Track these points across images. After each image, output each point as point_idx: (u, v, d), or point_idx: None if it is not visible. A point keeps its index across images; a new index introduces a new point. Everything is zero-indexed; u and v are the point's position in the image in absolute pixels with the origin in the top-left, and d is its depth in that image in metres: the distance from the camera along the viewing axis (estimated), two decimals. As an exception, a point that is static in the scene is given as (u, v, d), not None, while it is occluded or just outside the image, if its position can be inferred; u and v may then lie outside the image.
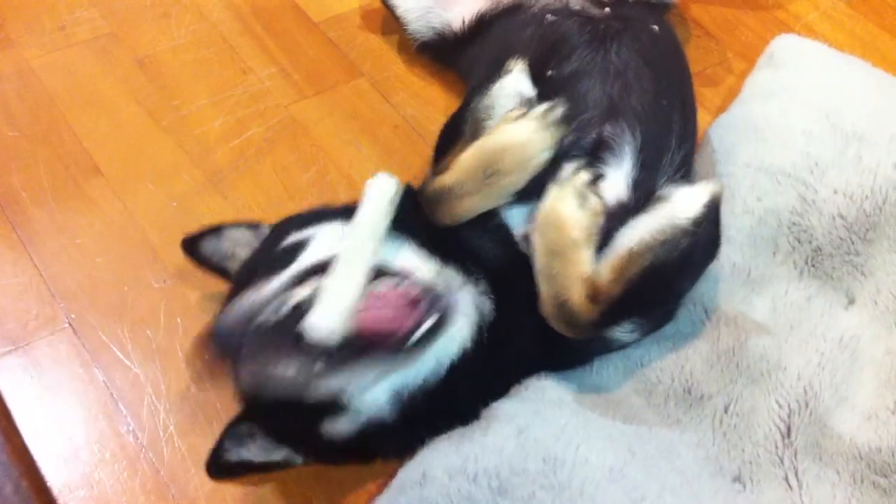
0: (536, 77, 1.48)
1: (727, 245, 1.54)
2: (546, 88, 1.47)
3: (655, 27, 1.66)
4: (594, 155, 1.42)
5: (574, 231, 1.28)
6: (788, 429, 1.38)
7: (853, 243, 1.56)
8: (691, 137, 1.59)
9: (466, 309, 1.33)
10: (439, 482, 1.23)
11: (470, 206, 1.37)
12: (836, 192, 1.59)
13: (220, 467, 1.35)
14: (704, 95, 1.87)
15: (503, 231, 1.39)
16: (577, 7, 1.68)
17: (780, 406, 1.40)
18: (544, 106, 1.35)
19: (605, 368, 1.43)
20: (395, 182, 1.35)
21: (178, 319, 1.54)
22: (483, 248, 1.38)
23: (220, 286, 1.54)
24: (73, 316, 1.54)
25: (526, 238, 1.36)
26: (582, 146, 1.43)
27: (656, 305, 1.42)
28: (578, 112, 1.44)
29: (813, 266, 1.55)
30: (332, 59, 1.95)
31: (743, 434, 1.38)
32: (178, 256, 1.58)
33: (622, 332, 1.41)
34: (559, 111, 1.35)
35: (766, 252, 1.56)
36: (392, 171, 1.70)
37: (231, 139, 1.80)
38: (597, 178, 1.35)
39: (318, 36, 1.99)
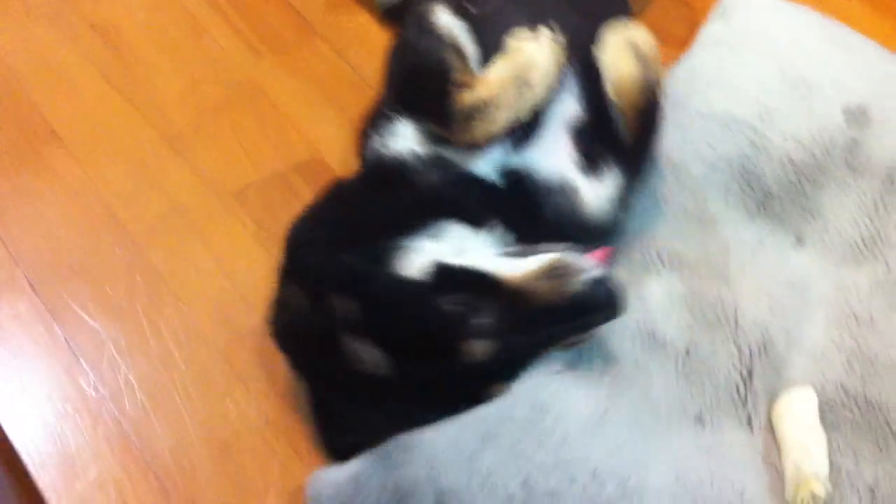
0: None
1: (680, 191, 1.58)
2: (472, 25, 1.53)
3: None
4: None
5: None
6: (750, 372, 1.41)
7: (802, 186, 1.59)
8: None
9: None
10: (430, 428, 1.25)
11: (503, 120, 1.41)
12: (785, 137, 1.62)
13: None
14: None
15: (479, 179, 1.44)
16: None
17: (739, 351, 1.43)
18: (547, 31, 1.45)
19: None
20: None
21: (138, 277, 1.55)
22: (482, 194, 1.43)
23: (183, 247, 1.58)
24: (33, 277, 1.54)
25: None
26: None
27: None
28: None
29: (763, 209, 1.58)
30: (289, 21, 1.94)
31: (704, 377, 1.40)
32: (139, 219, 1.60)
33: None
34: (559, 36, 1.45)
35: (718, 197, 1.59)
36: (351, 130, 1.75)
37: (189, 102, 1.80)
38: None
39: None
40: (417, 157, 1.44)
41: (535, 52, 1.44)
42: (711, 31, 1.85)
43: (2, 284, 1.53)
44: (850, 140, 1.63)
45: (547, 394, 1.30)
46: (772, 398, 1.40)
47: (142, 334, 1.49)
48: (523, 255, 1.33)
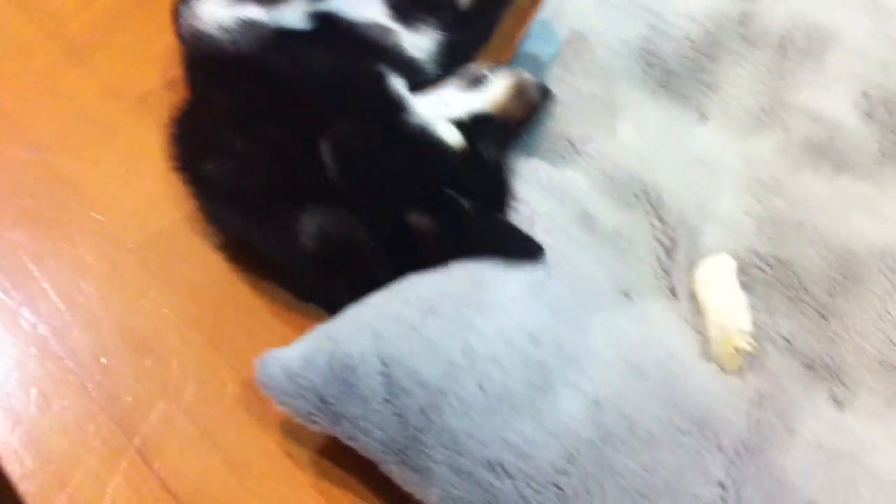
0: None
1: (585, 78, 1.60)
2: None
3: None
4: None
5: None
6: (670, 246, 1.47)
7: (700, 63, 1.64)
8: None
9: None
10: (374, 305, 1.29)
11: None
12: (679, 15, 1.66)
13: None
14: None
15: None
16: None
17: (659, 226, 1.48)
18: None
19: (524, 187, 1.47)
20: None
21: (46, 185, 1.53)
22: None
23: (89, 154, 1.57)
24: None
25: None
26: None
27: None
28: None
29: (666, 88, 1.62)
30: None
31: (629, 254, 1.46)
32: (43, 129, 1.59)
33: None
34: None
35: (621, 80, 1.62)
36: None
37: (86, 12, 1.77)
38: None
39: None
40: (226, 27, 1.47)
41: None
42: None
43: None
44: (741, 13, 1.68)
45: (486, 270, 1.33)
46: (691, 268, 1.46)
47: (54, 241, 1.48)
48: (468, 84, 1.47)
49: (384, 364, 1.21)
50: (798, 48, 1.65)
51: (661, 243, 1.47)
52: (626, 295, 1.42)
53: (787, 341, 1.38)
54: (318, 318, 1.38)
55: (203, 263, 1.48)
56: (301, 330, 1.36)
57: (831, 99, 1.60)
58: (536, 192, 1.46)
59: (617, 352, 1.30)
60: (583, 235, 1.44)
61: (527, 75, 1.47)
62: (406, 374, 1.21)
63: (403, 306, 1.27)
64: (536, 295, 1.32)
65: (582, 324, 1.32)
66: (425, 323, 1.25)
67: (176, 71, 1.66)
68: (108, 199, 1.54)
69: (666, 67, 1.62)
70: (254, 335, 1.42)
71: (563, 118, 1.55)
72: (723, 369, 1.34)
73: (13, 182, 1.54)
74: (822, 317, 1.39)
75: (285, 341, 1.35)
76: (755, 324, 1.39)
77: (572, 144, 1.53)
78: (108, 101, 1.66)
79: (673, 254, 1.46)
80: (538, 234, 1.39)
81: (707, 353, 1.36)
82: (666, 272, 1.45)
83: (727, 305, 1.39)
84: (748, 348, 1.34)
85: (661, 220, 1.48)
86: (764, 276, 1.43)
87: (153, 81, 1.68)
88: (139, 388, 1.35)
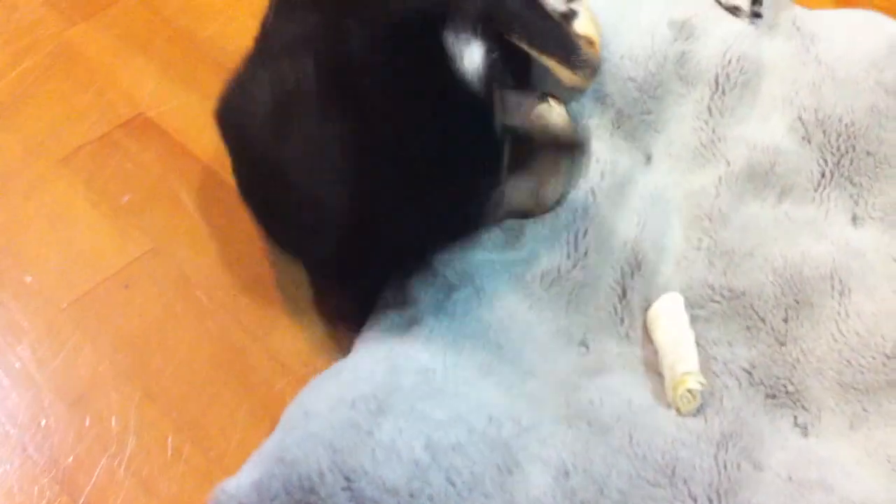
0: None
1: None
2: None
3: None
4: None
5: None
6: (623, 290, 1.47)
7: (645, 102, 1.64)
8: None
9: None
10: (321, 415, 1.26)
11: None
12: (622, 56, 1.66)
13: None
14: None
15: None
16: None
17: (614, 270, 1.48)
18: None
19: (462, 265, 1.46)
20: None
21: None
22: None
23: (16, 216, 1.58)
24: None
25: None
26: None
27: None
28: None
29: (618, 129, 1.63)
30: None
31: (588, 302, 1.46)
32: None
33: None
34: None
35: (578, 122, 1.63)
36: (173, 82, 1.77)
37: (7, 74, 1.77)
38: None
39: None
40: None
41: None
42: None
43: None
44: (679, 52, 1.69)
45: (428, 357, 1.33)
46: (647, 309, 1.46)
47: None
48: None
49: (347, 479, 1.19)
50: (733, 83, 1.66)
51: (617, 288, 1.47)
52: (584, 345, 1.42)
53: (748, 373, 1.38)
54: (256, 364, 1.43)
55: (136, 316, 1.48)
56: (238, 376, 1.40)
57: (769, 127, 1.62)
58: (479, 265, 1.46)
59: (577, 412, 1.30)
60: (543, 292, 1.45)
61: None
62: (372, 484, 1.19)
63: (352, 411, 1.25)
64: (487, 374, 1.32)
65: (537, 393, 1.32)
66: (380, 426, 1.23)
67: (98, 128, 1.69)
68: (38, 260, 1.54)
69: (617, 108, 1.63)
70: (190, 384, 1.42)
71: None
72: (679, 412, 1.33)
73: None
74: (781, 343, 1.40)
75: (221, 388, 1.38)
76: (713, 358, 1.40)
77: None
78: (33, 161, 1.66)
79: (627, 298, 1.47)
80: (485, 303, 1.41)
81: (664, 398, 1.36)
82: (622, 317, 1.46)
83: (676, 346, 1.39)
84: (698, 387, 1.33)
85: (618, 264, 1.48)
86: (720, 308, 1.44)
87: (78, 139, 1.68)
88: (80, 446, 1.34)
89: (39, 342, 1.46)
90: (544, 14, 1.57)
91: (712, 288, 1.46)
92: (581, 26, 1.61)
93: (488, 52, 1.42)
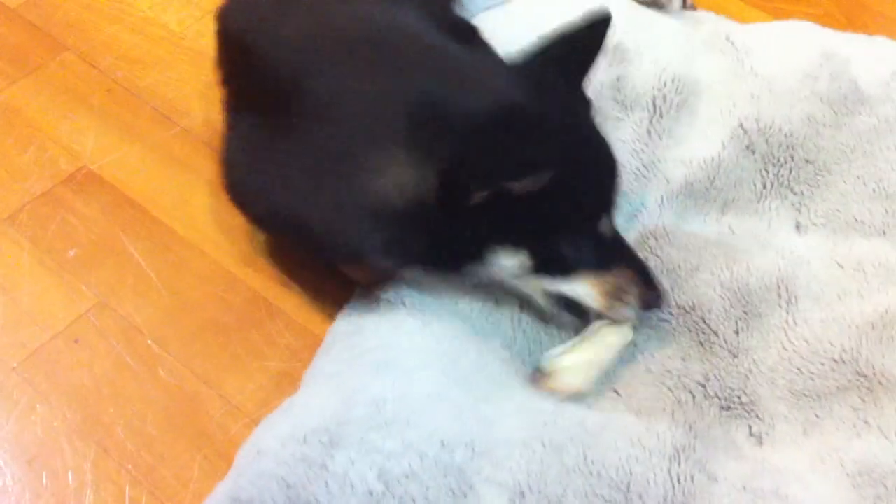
0: None
1: None
2: None
3: None
4: None
5: None
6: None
7: None
8: None
9: None
10: (273, 452, 1.26)
11: None
12: None
13: None
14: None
15: None
16: None
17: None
18: None
19: (416, 297, 1.47)
20: None
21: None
22: None
23: None
24: None
25: None
26: None
27: None
28: None
29: None
30: (34, 40, 1.88)
31: (538, 328, 1.47)
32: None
33: None
34: None
35: None
36: (114, 134, 1.77)
37: (-55, 138, 1.76)
38: None
39: (17, 20, 1.91)
40: None
41: None
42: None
43: None
44: (615, 78, 1.71)
45: (378, 388, 1.33)
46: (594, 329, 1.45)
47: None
48: None
49: (303, 510, 1.18)
50: (670, 104, 1.69)
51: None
52: (539, 370, 1.41)
53: (702, 386, 1.39)
54: (210, 410, 1.42)
55: (87, 371, 1.47)
56: (193, 423, 1.39)
57: (707, 141, 1.65)
58: (422, 292, 1.47)
59: (530, 433, 1.30)
60: (485, 321, 1.46)
61: None
62: (327, 518, 1.18)
63: (304, 446, 1.25)
64: (438, 400, 1.32)
65: (491, 416, 1.32)
66: (333, 458, 1.24)
67: (40, 185, 1.68)
68: (-17, 321, 1.52)
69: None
70: (145, 435, 1.41)
71: None
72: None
73: None
74: (733, 355, 1.42)
75: (176, 436, 1.38)
76: (668, 372, 1.41)
77: None
78: (-11, 214, 1.65)
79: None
80: (434, 332, 1.41)
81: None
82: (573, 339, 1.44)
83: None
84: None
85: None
86: (671, 325, 1.45)
87: (21, 197, 1.67)
88: (31, 504, 1.34)
89: (-8, 405, 1.45)
90: None
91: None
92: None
93: None
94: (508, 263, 1.35)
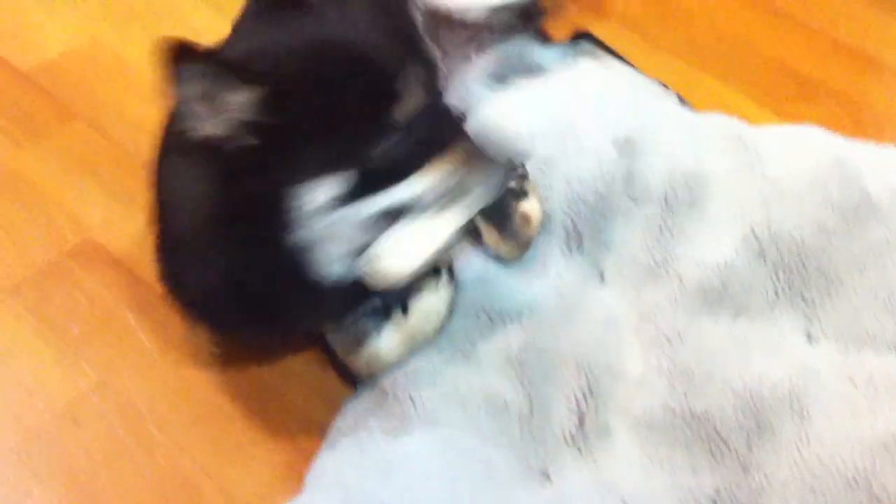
0: None
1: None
2: None
3: None
4: None
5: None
6: (580, 418, 1.45)
7: (597, 223, 1.66)
8: None
9: None
10: None
11: None
12: (569, 180, 1.67)
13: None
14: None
15: None
16: None
17: (569, 398, 1.47)
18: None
19: (423, 394, 1.45)
20: None
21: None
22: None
23: None
24: None
25: None
26: None
27: None
28: None
29: (570, 249, 1.64)
30: (45, 106, 1.89)
31: (545, 431, 1.44)
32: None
33: None
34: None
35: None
36: (121, 205, 1.75)
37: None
38: None
39: (28, 85, 1.92)
40: None
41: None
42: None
43: None
44: (625, 171, 1.70)
45: (388, 493, 1.32)
46: (605, 434, 1.45)
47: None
48: None
49: None
50: (681, 200, 1.68)
51: (575, 414, 1.46)
52: (546, 476, 1.40)
53: (713, 500, 1.36)
54: (210, 501, 1.41)
55: (86, 453, 1.44)
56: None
57: (719, 244, 1.64)
58: (429, 388, 1.45)
59: None
60: (491, 422, 1.43)
61: None
62: None
63: None
64: None
65: None
66: None
67: (46, 257, 1.67)
68: (-17, 398, 1.50)
69: (569, 230, 1.64)
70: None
71: (485, 284, 1.57)
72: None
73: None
74: (745, 469, 1.39)
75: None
76: (679, 486, 1.38)
77: (489, 317, 1.53)
78: (-13, 296, 1.63)
79: (585, 423, 1.45)
80: (438, 438, 1.40)
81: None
82: (579, 448, 1.44)
83: None
84: None
85: (573, 390, 1.47)
86: (684, 433, 1.43)
87: (25, 268, 1.65)
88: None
89: (-14, 485, 1.42)
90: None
91: (674, 412, 1.45)
92: (527, 206, 1.60)
93: None
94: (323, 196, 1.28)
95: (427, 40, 1.85)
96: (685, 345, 1.52)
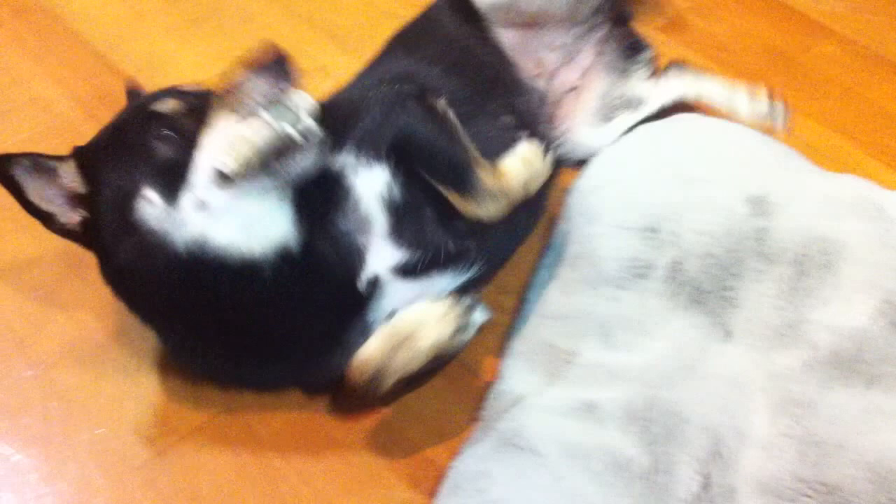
0: None
1: (616, 304, 1.61)
2: None
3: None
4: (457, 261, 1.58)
5: (431, 345, 1.45)
6: (706, 481, 1.42)
7: (724, 279, 1.63)
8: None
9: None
10: None
11: (506, 210, 1.58)
12: (699, 233, 1.66)
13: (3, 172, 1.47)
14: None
15: (355, 247, 1.49)
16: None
17: (694, 459, 1.44)
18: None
19: (547, 447, 1.44)
20: None
21: (54, 404, 1.55)
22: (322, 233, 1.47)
23: (89, 369, 1.59)
24: None
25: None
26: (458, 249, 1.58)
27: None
28: None
29: (695, 304, 1.61)
30: None
31: (668, 491, 1.41)
32: (45, 344, 1.62)
33: None
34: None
35: (655, 301, 1.62)
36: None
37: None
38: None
39: None
40: None
41: (542, 164, 1.63)
42: (606, 147, 1.89)
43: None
44: (757, 229, 1.68)
45: None
46: (730, 496, 1.41)
47: (63, 461, 1.47)
48: None
49: None
50: (814, 263, 1.65)
51: (697, 477, 1.43)
52: None
53: None
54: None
55: (209, 476, 1.47)
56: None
57: (854, 310, 1.59)
58: (552, 441, 1.44)
59: None
60: (615, 479, 1.41)
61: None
62: None
63: None
64: None
65: None
66: None
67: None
68: (112, 416, 1.54)
69: (695, 284, 1.62)
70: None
71: (599, 341, 1.57)
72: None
73: (19, 400, 1.55)
74: None
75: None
76: None
77: (606, 367, 1.53)
78: (109, 314, 1.66)
79: (710, 486, 1.42)
80: (562, 494, 1.38)
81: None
82: None
83: None
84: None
85: (698, 451, 1.44)
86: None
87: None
88: None
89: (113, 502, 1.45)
90: (452, 139, 1.56)
91: (804, 481, 1.40)
92: (507, 163, 1.61)
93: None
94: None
95: (517, 63, 1.89)
96: (817, 412, 1.48)
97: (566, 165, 1.93)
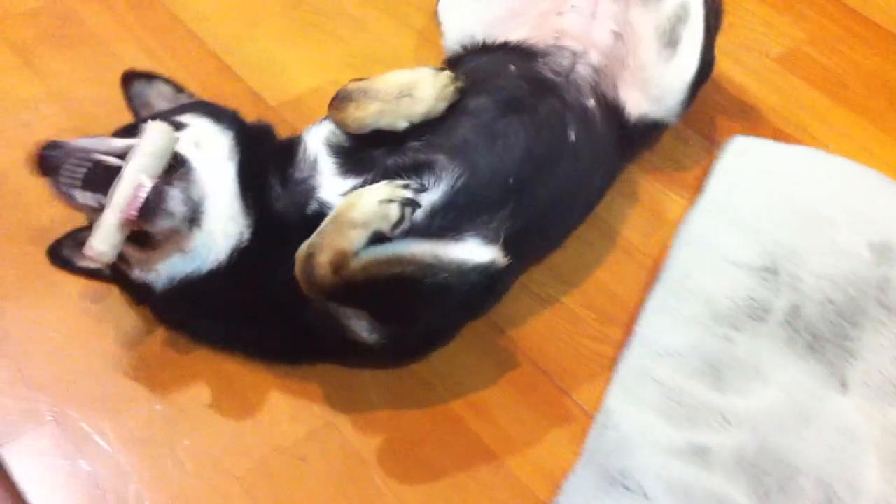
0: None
1: (730, 344, 1.59)
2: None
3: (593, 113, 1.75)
4: (418, 172, 1.55)
5: (359, 214, 1.43)
6: None
7: (843, 328, 1.60)
8: (529, 222, 1.60)
9: (224, 220, 1.53)
10: None
11: (374, 114, 1.58)
12: (819, 277, 1.64)
13: (55, 256, 1.62)
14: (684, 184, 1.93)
15: (308, 189, 1.56)
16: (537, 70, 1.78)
17: None
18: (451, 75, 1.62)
19: (654, 489, 1.43)
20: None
21: (158, 407, 1.56)
22: (278, 195, 1.56)
23: (197, 365, 1.61)
24: (55, 409, 1.50)
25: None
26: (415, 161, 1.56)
27: (392, 315, 1.49)
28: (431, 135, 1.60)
29: (814, 352, 1.58)
30: None
31: None
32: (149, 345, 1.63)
33: (357, 324, 1.48)
34: (461, 84, 1.63)
35: (771, 345, 1.59)
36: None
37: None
38: (417, 192, 1.50)
39: (276, 117, 1.98)
40: None
41: (431, 77, 1.61)
42: (721, 176, 1.86)
43: (24, 419, 1.49)
44: (881, 277, 1.65)
45: None
46: None
47: (163, 465, 1.49)
48: None
49: None
50: None
51: None
52: None
53: None
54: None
55: (307, 493, 1.46)
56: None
57: None
58: (660, 483, 1.43)
59: None
60: None
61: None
62: None
63: None
64: None
65: None
66: None
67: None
68: (214, 423, 1.54)
69: (813, 331, 1.59)
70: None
71: (710, 384, 1.55)
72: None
73: (124, 400, 1.56)
74: None
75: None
76: None
77: (723, 416, 1.51)
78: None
79: None
80: None
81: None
82: None
83: None
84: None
85: None
86: None
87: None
88: None
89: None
90: None
91: (917, 541, 1.37)
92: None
93: None
94: None
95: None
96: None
97: (665, 125, 1.90)
